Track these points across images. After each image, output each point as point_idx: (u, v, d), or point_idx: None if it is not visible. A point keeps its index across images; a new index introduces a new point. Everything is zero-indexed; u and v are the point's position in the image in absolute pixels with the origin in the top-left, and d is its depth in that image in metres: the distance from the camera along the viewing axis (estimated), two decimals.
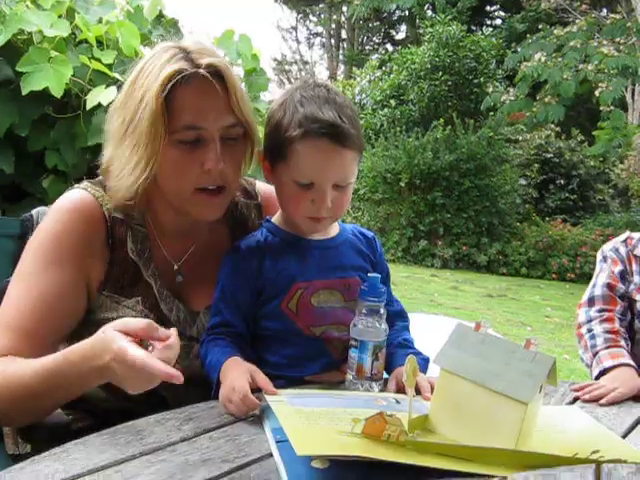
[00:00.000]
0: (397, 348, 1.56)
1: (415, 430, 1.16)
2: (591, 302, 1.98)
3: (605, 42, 9.86)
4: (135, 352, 1.15)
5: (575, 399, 1.54)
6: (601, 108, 10.28)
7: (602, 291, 1.98)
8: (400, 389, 1.41)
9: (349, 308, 1.52)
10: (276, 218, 1.63)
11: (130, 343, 1.17)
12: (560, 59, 10.18)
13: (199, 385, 1.36)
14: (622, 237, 2.09)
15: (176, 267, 1.60)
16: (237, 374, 1.30)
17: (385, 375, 1.49)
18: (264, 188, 1.78)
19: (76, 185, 1.56)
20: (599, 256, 2.10)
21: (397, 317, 1.65)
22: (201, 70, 1.44)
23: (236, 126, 1.49)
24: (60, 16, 3.06)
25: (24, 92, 2.81)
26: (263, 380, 1.31)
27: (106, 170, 1.53)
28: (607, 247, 2.10)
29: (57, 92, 2.85)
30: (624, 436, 1.29)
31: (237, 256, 1.55)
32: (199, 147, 1.45)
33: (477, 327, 1.21)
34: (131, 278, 1.52)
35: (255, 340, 1.53)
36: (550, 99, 10.49)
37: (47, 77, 2.84)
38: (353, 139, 1.47)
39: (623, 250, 2.03)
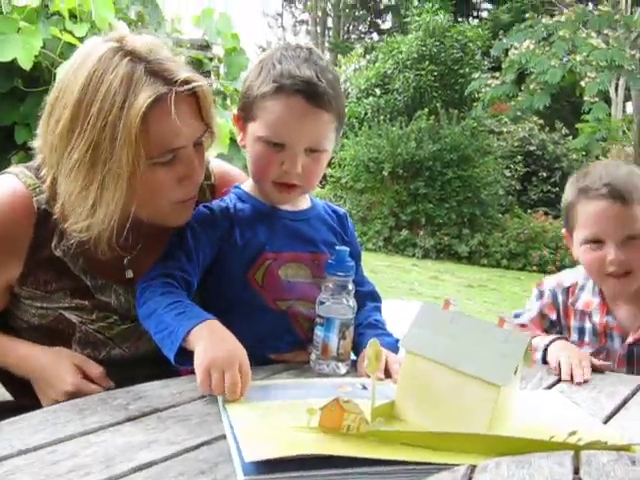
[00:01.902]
0: (366, 329, 1.48)
1: (378, 418, 1.07)
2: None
3: (593, 34, 9.82)
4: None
5: (553, 384, 1.47)
6: (585, 98, 10.23)
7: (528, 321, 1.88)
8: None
9: (317, 285, 1.44)
10: (246, 185, 1.55)
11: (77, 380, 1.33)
12: (548, 48, 10.12)
13: (142, 364, 1.29)
14: (567, 281, 1.91)
15: (125, 261, 1.49)
16: (232, 341, 1.19)
17: (353, 357, 1.43)
18: (218, 167, 1.66)
19: (9, 169, 1.44)
20: (535, 291, 1.94)
21: (368, 298, 1.58)
22: (175, 90, 1.30)
23: (206, 132, 1.41)
24: None
25: None
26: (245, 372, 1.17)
27: (53, 196, 1.38)
28: (547, 285, 1.93)
29: (26, 64, 2.76)
30: (605, 422, 1.22)
31: (207, 213, 1.46)
32: (175, 163, 1.35)
33: (445, 305, 1.12)
34: (56, 273, 1.42)
35: (215, 315, 1.44)
36: (535, 86, 10.44)
37: (15, 48, 2.74)
38: (329, 100, 1.39)
39: (561, 299, 1.88)
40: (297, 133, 1.39)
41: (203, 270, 1.42)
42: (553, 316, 1.87)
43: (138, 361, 1.24)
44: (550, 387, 1.45)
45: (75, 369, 1.35)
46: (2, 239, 1.36)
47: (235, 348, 1.18)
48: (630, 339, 1.77)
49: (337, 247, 1.41)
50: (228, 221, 1.45)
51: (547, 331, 1.85)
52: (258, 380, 1.24)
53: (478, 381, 1.03)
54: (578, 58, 9.64)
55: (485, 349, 1.04)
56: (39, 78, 2.83)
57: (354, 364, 1.41)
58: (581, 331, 1.85)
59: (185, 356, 1.19)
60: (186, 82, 1.32)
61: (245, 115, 1.46)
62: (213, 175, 1.62)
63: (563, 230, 1.89)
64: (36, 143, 1.41)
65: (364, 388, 1.26)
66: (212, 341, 1.18)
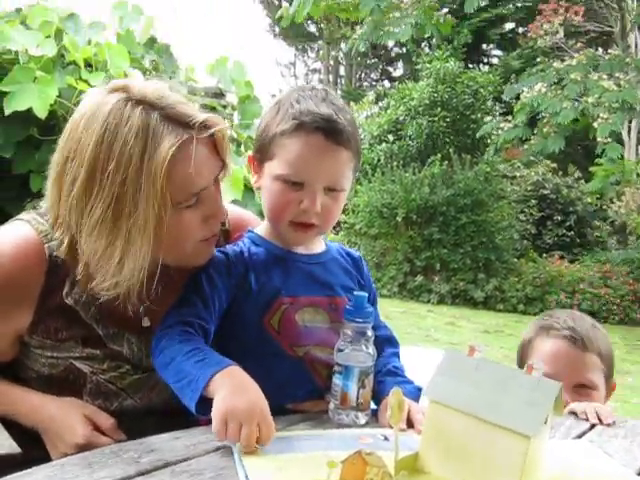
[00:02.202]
0: (386, 376, 1.43)
1: (402, 471, 1.02)
2: None
3: (605, 76, 9.85)
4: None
5: (583, 433, 1.41)
6: (598, 139, 10.21)
7: None
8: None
9: (335, 330, 1.40)
10: (260, 229, 1.52)
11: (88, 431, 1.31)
12: (560, 91, 10.15)
13: (155, 415, 1.24)
14: None
15: (142, 308, 1.45)
16: (255, 391, 1.15)
17: (373, 406, 1.37)
18: (232, 212, 1.63)
19: (21, 216, 1.42)
20: None
21: (386, 343, 1.53)
22: (199, 135, 1.30)
23: (223, 168, 1.40)
24: (48, 37, 3.00)
25: (7, 112, 2.74)
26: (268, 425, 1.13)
27: (73, 255, 1.35)
28: None
29: (41, 113, 2.78)
30: (639, 473, 1.16)
31: (222, 258, 1.43)
32: (199, 203, 1.34)
33: (470, 352, 1.08)
34: (67, 321, 1.39)
35: None
36: (549, 129, 10.45)
37: (31, 97, 2.77)
38: (348, 138, 1.38)
39: None
40: (316, 171, 1.37)
41: (219, 316, 1.38)
42: None
43: (151, 412, 1.19)
44: (579, 436, 1.39)
45: (85, 420, 1.32)
46: (13, 287, 1.34)
47: (257, 399, 1.14)
48: None
49: (355, 292, 1.38)
50: (243, 266, 1.43)
51: None
52: (286, 431, 1.20)
53: (507, 432, 0.98)
54: (590, 100, 9.65)
55: (513, 398, 0.99)
56: (54, 127, 2.85)
57: (374, 414, 1.36)
58: None
59: (206, 405, 1.14)
60: (205, 125, 1.31)
61: (261, 155, 1.44)
62: (227, 221, 1.60)
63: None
64: (45, 204, 1.38)
65: (385, 439, 1.21)
66: (233, 389, 1.14)
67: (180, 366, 1.21)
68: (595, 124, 9.82)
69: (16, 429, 1.34)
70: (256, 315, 1.39)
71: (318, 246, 1.53)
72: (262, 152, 1.43)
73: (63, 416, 1.33)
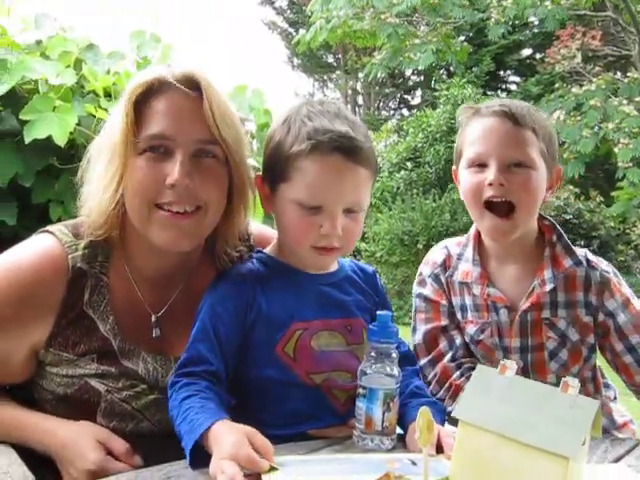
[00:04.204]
0: (410, 398, 1.38)
1: None
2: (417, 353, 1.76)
3: (625, 101, 9.77)
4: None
5: (621, 456, 1.34)
6: (619, 164, 10.09)
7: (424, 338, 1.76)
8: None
9: (352, 352, 1.35)
10: (269, 249, 1.47)
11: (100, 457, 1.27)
12: (579, 118, 10.09)
13: (174, 439, 1.20)
14: (439, 256, 1.79)
15: (154, 319, 1.44)
16: (235, 439, 1.08)
17: (398, 430, 1.32)
18: (257, 229, 1.63)
19: (48, 227, 1.45)
20: (415, 289, 1.81)
21: (405, 361, 1.45)
22: (176, 76, 1.34)
23: (213, 143, 1.35)
24: (68, 66, 3.02)
25: (27, 140, 2.75)
26: (262, 444, 1.10)
27: (81, 201, 1.42)
28: (424, 272, 1.80)
29: (61, 141, 2.78)
30: None
31: (225, 284, 1.38)
32: (164, 160, 1.33)
33: (502, 370, 1.02)
34: (85, 332, 1.38)
35: (246, 396, 1.34)
36: (569, 155, 10.38)
37: (51, 126, 2.77)
38: (367, 155, 1.32)
39: (443, 278, 1.76)
40: (336, 193, 1.31)
41: (233, 347, 1.34)
42: (444, 302, 1.75)
43: (169, 436, 1.15)
44: (617, 460, 1.32)
45: (98, 446, 1.28)
46: (33, 297, 1.35)
47: (234, 443, 1.07)
48: (524, 307, 1.65)
49: (378, 312, 1.33)
50: (251, 288, 1.37)
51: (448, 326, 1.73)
52: (299, 456, 1.15)
53: (543, 453, 0.92)
54: (610, 126, 9.57)
55: (549, 417, 0.94)
56: (74, 156, 2.85)
57: (400, 438, 1.31)
58: (463, 308, 1.72)
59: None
60: (189, 76, 1.36)
61: (275, 176, 1.38)
62: (252, 237, 1.60)
63: (453, 167, 1.79)
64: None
65: (413, 464, 1.16)
66: (215, 454, 1.08)
67: (178, 428, 1.19)
68: (616, 149, 9.73)
69: (28, 455, 1.31)
70: (269, 342, 1.34)
71: (331, 264, 1.48)
72: (275, 173, 1.38)
73: (74, 442, 1.30)
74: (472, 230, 1.79)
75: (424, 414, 0.99)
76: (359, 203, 1.36)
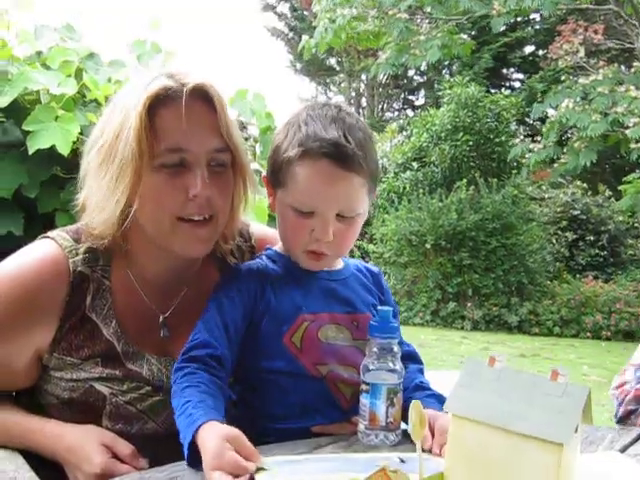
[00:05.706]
0: (414, 392, 1.39)
1: None
2: None
3: (632, 87, 9.71)
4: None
5: (627, 446, 1.33)
6: (632, 146, 9.96)
7: None
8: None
9: (358, 348, 1.36)
10: (278, 247, 1.50)
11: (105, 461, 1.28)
12: (588, 105, 10.04)
13: (178, 440, 1.21)
14: None
15: (161, 319, 1.46)
16: (215, 446, 1.07)
17: (404, 425, 1.32)
18: (258, 230, 1.65)
19: (49, 233, 1.45)
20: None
21: (409, 359, 1.48)
22: (187, 88, 1.33)
23: (224, 151, 1.38)
24: (69, 76, 3.05)
25: (30, 151, 2.77)
26: (244, 447, 1.10)
27: (82, 208, 1.42)
28: None
29: (64, 150, 2.81)
30: None
31: (234, 277, 1.40)
32: (183, 172, 1.33)
33: (491, 361, 1.02)
34: (89, 336, 1.39)
35: (253, 390, 1.36)
36: (579, 144, 10.31)
37: (54, 135, 2.80)
38: (359, 162, 1.31)
39: None
40: (326, 199, 1.32)
41: (240, 335, 1.35)
42: None
43: (173, 437, 1.17)
44: (623, 450, 1.32)
45: (103, 449, 1.30)
46: (35, 302, 1.36)
47: (216, 447, 1.08)
48: None
49: (379, 307, 1.35)
50: (259, 282, 1.39)
51: None
52: (300, 455, 1.16)
53: (536, 441, 0.93)
54: (619, 110, 9.52)
55: (540, 406, 0.95)
56: (78, 165, 2.88)
57: (405, 433, 1.31)
58: None
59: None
60: (198, 86, 1.35)
61: (274, 179, 1.41)
62: (253, 237, 1.61)
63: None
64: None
65: (402, 462, 1.16)
66: (204, 458, 1.09)
67: (178, 420, 1.20)
68: (628, 132, 9.64)
69: (36, 461, 1.33)
70: (277, 333, 1.36)
71: (337, 263, 1.50)
72: (273, 176, 1.41)
73: (80, 446, 1.31)
74: None
75: (416, 407, 1.00)
76: (352, 209, 1.36)
